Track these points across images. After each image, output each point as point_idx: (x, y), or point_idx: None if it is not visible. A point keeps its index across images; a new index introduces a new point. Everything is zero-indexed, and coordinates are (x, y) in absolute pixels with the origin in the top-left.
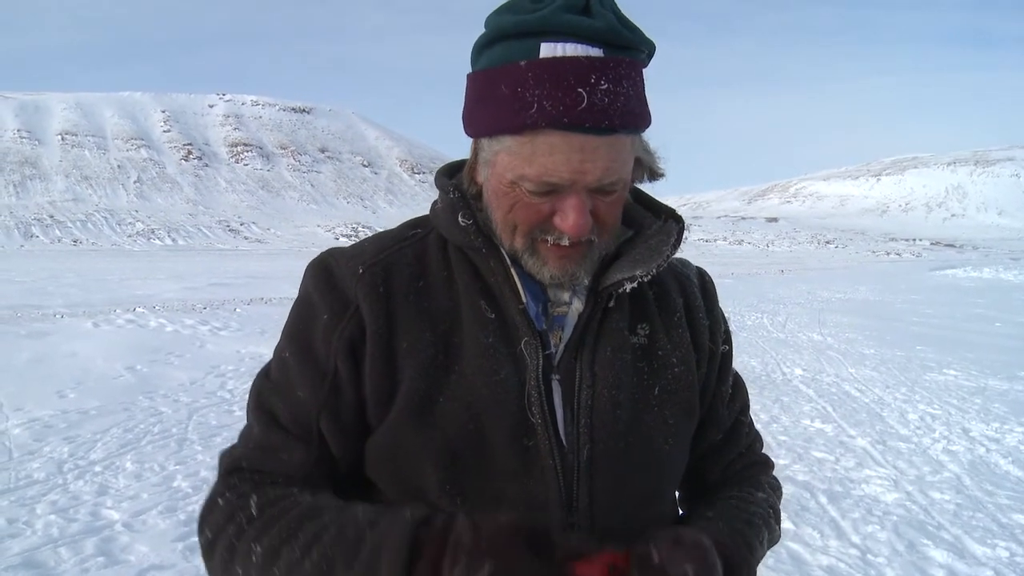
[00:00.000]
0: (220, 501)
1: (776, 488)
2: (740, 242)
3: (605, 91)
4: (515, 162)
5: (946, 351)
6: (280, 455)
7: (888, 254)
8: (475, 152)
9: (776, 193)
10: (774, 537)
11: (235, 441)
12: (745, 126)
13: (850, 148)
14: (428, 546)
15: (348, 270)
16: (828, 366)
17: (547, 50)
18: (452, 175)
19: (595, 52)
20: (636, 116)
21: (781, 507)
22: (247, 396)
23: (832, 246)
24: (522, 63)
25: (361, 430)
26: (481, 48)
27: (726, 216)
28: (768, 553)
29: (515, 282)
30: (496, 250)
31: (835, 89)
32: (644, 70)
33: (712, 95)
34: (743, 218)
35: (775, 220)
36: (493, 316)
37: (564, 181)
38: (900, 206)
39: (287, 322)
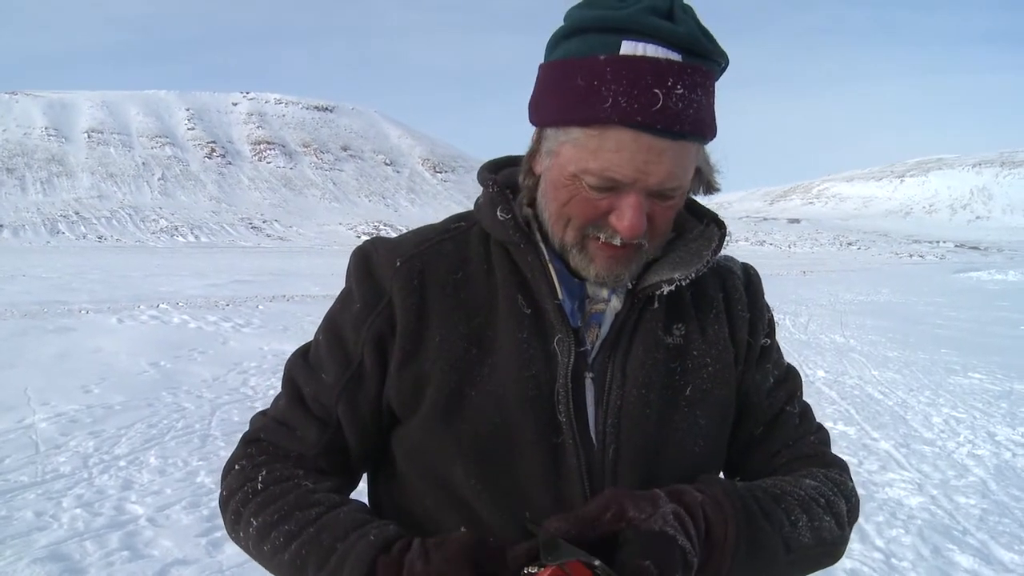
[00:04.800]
0: (236, 467)
1: (838, 484)
2: (762, 243)
3: (680, 96)
4: (580, 155)
5: (971, 354)
6: (296, 433)
7: (911, 256)
8: (538, 141)
9: (798, 194)
10: (823, 528)
11: (267, 406)
12: (768, 126)
13: (874, 149)
14: (384, 571)
15: (386, 262)
16: (851, 368)
17: (628, 48)
18: (497, 171)
19: (674, 56)
20: (705, 125)
21: None
22: (270, 390)
23: (855, 247)
24: (602, 57)
25: (379, 423)
26: (559, 39)
27: (748, 216)
28: None
29: (552, 277)
30: (534, 245)
31: (859, 90)
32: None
33: (735, 95)
34: (765, 219)
35: (797, 221)
36: (529, 311)
37: (626, 179)
38: (924, 208)
39: (331, 306)
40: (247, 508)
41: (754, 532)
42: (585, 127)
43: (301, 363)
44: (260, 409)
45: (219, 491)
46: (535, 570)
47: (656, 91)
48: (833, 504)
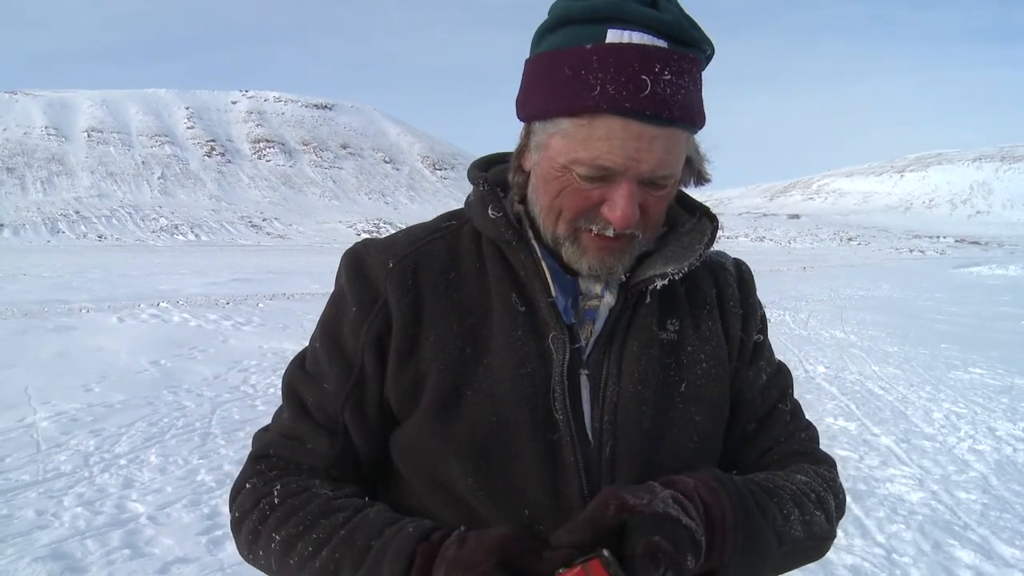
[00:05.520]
0: (247, 485)
1: (828, 480)
2: (762, 239)
3: (668, 82)
4: (569, 145)
5: (971, 349)
6: (306, 444)
7: (911, 251)
8: (526, 137)
9: (798, 190)
10: (814, 523)
11: (270, 421)
12: (768, 123)
13: (874, 145)
14: (423, 558)
15: (379, 263)
16: (851, 364)
17: (614, 36)
18: (486, 168)
19: (660, 43)
20: (694, 112)
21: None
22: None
23: (855, 243)
24: (588, 46)
25: (384, 424)
26: (544, 32)
27: (748, 213)
28: None
29: (545, 274)
30: (526, 243)
31: (860, 86)
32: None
33: (735, 91)
34: (765, 215)
35: (797, 217)
36: (523, 309)
37: (617, 167)
38: (924, 203)
39: (323, 312)
40: (266, 525)
41: (750, 527)
42: (573, 117)
43: (300, 373)
44: (254, 406)
45: (230, 514)
46: (563, 571)
47: (644, 77)
48: (823, 500)
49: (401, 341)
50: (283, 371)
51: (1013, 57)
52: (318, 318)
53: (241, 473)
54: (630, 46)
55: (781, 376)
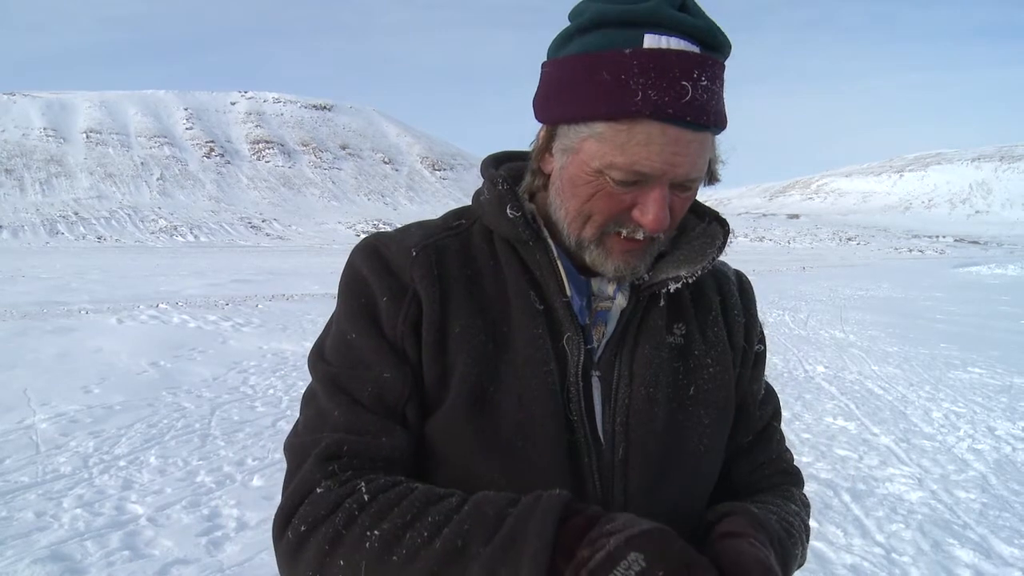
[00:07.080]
0: (319, 490)
1: (807, 505)
2: (761, 239)
3: (704, 87)
4: (605, 149)
5: (971, 349)
6: (380, 438)
7: (911, 251)
8: (547, 139)
9: (798, 190)
10: (804, 556)
11: (298, 430)
12: (767, 123)
13: (873, 145)
14: (585, 517)
15: (400, 251)
16: (851, 363)
17: (651, 41)
18: (498, 166)
19: (694, 49)
20: (723, 116)
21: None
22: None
23: (854, 243)
24: (627, 51)
25: (426, 413)
26: (572, 35)
27: (747, 213)
28: None
29: (560, 275)
30: (543, 243)
31: (859, 85)
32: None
33: (734, 91)
34: (764, 215)
35: (796, 217)
36: (542, 308)
37: (655, 172)
38: (923, 202)
39: (342, 307)
40: (355, 526)
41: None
42: (612, 121)
43: (335, 370)
44: (253, 407)
45: (286, 532)
46: None
47: (684, 83)
48: (808, 529)
49: (429, 330)
50: (282, 372)
51: (1013, 57)
52: (333, 316)
53: (302, 479)
54: (670, 52)
55: (772, 394)
